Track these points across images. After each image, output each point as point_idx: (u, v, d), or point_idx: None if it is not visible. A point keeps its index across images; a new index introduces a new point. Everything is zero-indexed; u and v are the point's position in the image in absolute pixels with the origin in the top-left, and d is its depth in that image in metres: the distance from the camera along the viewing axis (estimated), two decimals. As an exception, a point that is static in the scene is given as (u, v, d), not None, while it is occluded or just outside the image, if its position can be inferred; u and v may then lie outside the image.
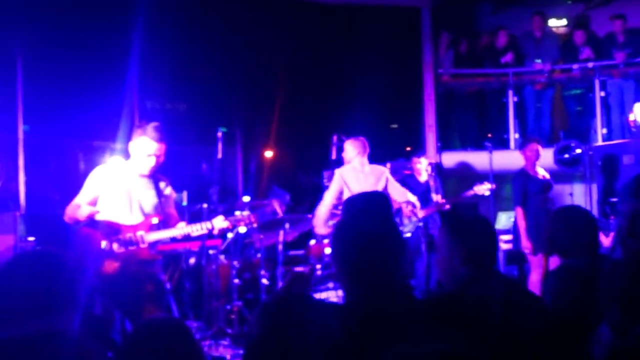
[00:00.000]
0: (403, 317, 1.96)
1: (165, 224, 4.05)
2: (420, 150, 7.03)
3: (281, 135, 8.06)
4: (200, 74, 7.55)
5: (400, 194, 5.73)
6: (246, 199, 5.91)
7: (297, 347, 1.75)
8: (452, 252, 2.70)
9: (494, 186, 6.20)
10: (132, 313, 3.72)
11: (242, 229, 4.74)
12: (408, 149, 7.71)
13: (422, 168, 6.53)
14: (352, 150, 5.56)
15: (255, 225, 4.35)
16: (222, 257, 5.56)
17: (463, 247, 2.66)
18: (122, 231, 3.90)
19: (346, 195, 5.47)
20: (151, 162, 3.94)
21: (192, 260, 5.29)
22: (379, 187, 5.53)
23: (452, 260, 2.71)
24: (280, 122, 8.07)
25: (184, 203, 5.56)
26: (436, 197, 6.21)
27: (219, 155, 5.64)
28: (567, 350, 2.81)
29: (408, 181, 6.33)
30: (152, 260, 3.99)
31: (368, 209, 2.32)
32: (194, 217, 5.73)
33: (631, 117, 7.26)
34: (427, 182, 6.42)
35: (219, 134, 5.58)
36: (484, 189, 6.14)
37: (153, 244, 3.99)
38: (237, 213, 4.24)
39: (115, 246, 3.85)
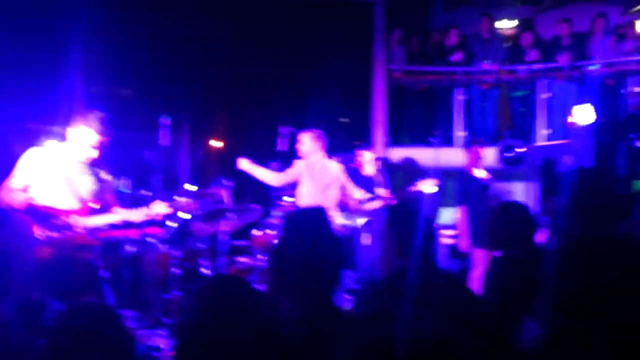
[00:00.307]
0: (335, 331, 1.98)
1: (103, 210, 4.00)
2: (364, 144, 7.05)
3: (229, 125, 7.98)
4: (147, 60, 7.39)
5: (354, 190, 5.79)
6: (191, 187, 5.82)
7: (232, 331, 1.71)
8: (388, 244, 2.75)
9: (439, 182, 6.29)
10: (64, 299, 3.65)
11: (185, 216, 4.70)
12: (357, 143, 7.74)
13: (366, 162, 6.56)
14: (310, 144, 5.56)
15: (198, 212, 4.34)
16: (162, 246, 5.46)
17: (397, 239, 2.70)
18: (58, 216, 3.82)
19: (304, 187, 5.47)
20: (90, 152, 3.90)
21: (130, 249, 5.17)
22: (336, 186, 5.58)
23: (388, 251, 2.75)
24: (229, 112, 7.99)
25: (126, 190, 5.44)
26: (382, 192, 6.26)
27: (163, 143, 5.55)
28: (499, 340, 2.90)
29: (353, 174, 6.35)
30: (88, 245, 3.92)
31: (307, 229, 2.31)
32: (135, 205, 5.60)
33: (572, 119, 7.46)
34: (370, 176, 6.46)
35: (165, 121, 5.49)
36: (428, 185, 6.23)
37: (91, 230, 3.92)
38: (179, 199, 4.21)
39: (50, 231, 3.77)
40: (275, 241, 2.32)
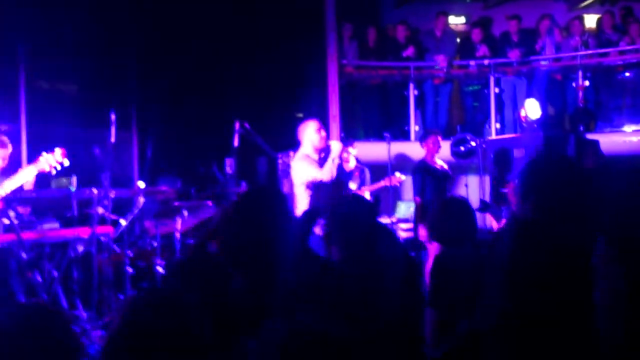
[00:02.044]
0: (285, 302, 1.96)
1: None
2: (348, 138, 7.05)
3: (180, 121, 7.78)
4: (93, 53, 7.13)
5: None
6: (141, 184, 5.64)
7: (155, 346, 1.63)
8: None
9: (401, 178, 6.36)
10: None
11: (66, 162, 4.59)
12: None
13: (350, 156, 6.59)
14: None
15: (64, 159, 4.38)
16: (114, 245, 5.28)
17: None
18: None
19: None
20: None
21: (80, 248, 4.98)
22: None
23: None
24: (180, 107, 7.79)
25: (73, 189, 5.22)
26: (354, 187, 6.30)
27: (112, 139, 5.37)
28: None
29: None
30: None
31: (261, 204, 2.30)
32: (83, 204, 5.40)
33: (522, 113, 7.60)
34: (351, 171, 6.51)
35: (113, 117, 5.30)
36: (395, 180, 6.30)
37: None
38: (43, 154, 4.31)
39: None
40: (228, 215, 2.27)
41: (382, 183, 6.40)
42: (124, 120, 6.74)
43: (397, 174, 6.36)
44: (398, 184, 6.37)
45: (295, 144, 6.93)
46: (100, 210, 4.95)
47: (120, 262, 5.14)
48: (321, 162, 5.15)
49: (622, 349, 1.86)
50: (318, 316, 2.05)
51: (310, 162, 5.11)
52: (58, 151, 4.45)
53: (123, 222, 5.35)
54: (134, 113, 7.86)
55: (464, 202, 3.29)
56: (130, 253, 5.24)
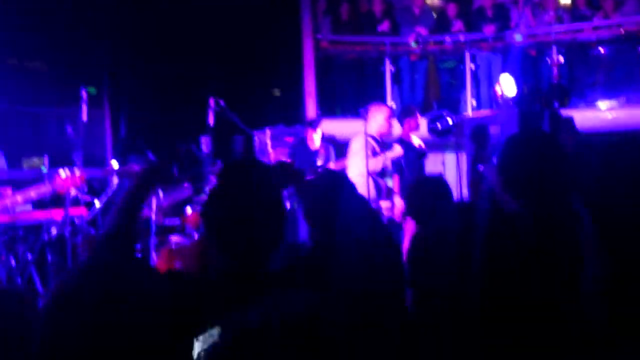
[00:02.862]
0: (263, 284, 1.91)
1: None
2: (317, 118, 7.02)
3: (154, 99, 7.64)
4: (62, 29, 6.93)
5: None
6: (114, 164, 5.53)
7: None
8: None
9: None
10: None
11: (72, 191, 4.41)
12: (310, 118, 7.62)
13: (317, 136, 6.55)
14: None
15: (83, 183, 4.13)
16: (88, 227, 5.18)
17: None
18: None
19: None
20: None
21: (54, 231, 4.88)
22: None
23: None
24: (154, 84, 7.64)
25: (45, 169, 5.10)
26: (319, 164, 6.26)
27: (84, 118, 5.25)
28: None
29: (301, 148, 6.32)
30: None
31: (245, 180, 2.24)
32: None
33: (497, 90, 7.62)
34: (316, 150, 6.46)
35: (84, 94, 5.18)
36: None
37: None
38: (61, 172, 4.00)
39: None
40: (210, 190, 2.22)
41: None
42: (95, 97, 6.60)
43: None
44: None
45: (271, 121, 6.89)
46: (74, 191, 4.85)
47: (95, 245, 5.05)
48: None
49: (606, 327, 1.89)
50: (296, 298, 2.03)
51: (367, 150, 5.12)
52: (77, 172, 4.11)
53: (97, 203, 5.25)
54: (106, 90, 7.69)
55: (439, 179, 3.31)
56: (105, 235, 5.15)
